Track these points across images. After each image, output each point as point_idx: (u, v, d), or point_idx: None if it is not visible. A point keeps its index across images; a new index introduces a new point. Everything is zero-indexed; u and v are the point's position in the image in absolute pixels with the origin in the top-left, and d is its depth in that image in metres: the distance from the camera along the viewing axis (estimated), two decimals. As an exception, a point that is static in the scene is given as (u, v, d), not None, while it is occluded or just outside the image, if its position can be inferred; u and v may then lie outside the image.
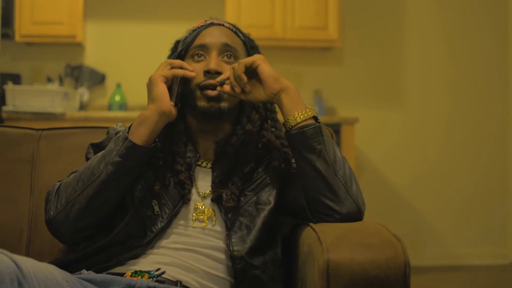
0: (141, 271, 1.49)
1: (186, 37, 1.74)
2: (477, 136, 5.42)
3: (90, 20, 5.11)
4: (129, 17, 5.16)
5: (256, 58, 1.55)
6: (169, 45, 1.83)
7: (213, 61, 1.64)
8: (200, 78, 1.64)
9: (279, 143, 1.70)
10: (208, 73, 1.63)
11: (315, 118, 1.56)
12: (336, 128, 4.55)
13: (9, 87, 4.39)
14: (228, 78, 1.57)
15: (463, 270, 5.13)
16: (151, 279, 1.47)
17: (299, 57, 5.30)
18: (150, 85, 1.61)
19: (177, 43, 1.81)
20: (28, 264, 1.23)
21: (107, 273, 1.52)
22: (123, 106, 4.88)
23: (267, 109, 1.77)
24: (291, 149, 1.60)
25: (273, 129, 1.74)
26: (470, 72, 5.42)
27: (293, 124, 1.54)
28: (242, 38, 1.76)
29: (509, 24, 5.42)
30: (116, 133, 1.72)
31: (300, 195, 1.62)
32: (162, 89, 1.58)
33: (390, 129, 5.35)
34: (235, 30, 1.75)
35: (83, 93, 4.95)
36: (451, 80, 5.40)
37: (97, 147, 1.74)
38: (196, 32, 1.72)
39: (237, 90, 1.56)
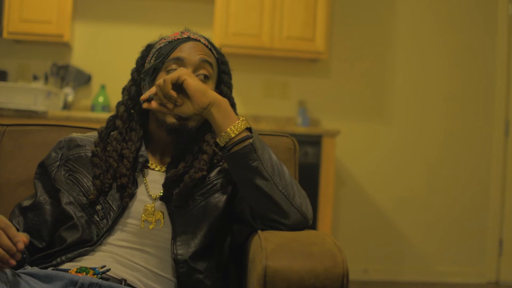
0: (86, 268, 1.50)
1: (161, 48, 1.73)
2: (463, 157, 5.42)
3: (79, 20, 5.12)
4: (117, 19, 5.17)
5: (181, 73, 1.51)
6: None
7: None
8: None
9: None
10: None
11: (249, 129, 1.53)
12: (317, 140, 4.57)
13: (-8, 83, 4.40)
14: (155, 94, 1.54)
15: (440, 286, 5.14)
16: (95, 275, 1.48)
17: (285, 67, 5.32)
18: None
19: (149, 47, 1.80)
20: None
21: (53, 269, 1.52)
22: (106, 108, 4.89)
23: None
24: (229, 169, 1.60)
25: None
26: (460, 89, 5.44)
27: (227, 140, 1.51)
28: (216, 55, 1.76)
29: (498, 42, 5.43)
30: (60, 148, 1.74)
31: (246, 209, 1.64)
32: None
33: (375, 144, 5.36)
34: (210, 47, 1.75)
35: (68, 92, 4.95)
36: (440, 97, 5.41)
37: (42, 167, 1.75)
38: (173, 45, 1.71)
39: (170, 106, 1.53)
